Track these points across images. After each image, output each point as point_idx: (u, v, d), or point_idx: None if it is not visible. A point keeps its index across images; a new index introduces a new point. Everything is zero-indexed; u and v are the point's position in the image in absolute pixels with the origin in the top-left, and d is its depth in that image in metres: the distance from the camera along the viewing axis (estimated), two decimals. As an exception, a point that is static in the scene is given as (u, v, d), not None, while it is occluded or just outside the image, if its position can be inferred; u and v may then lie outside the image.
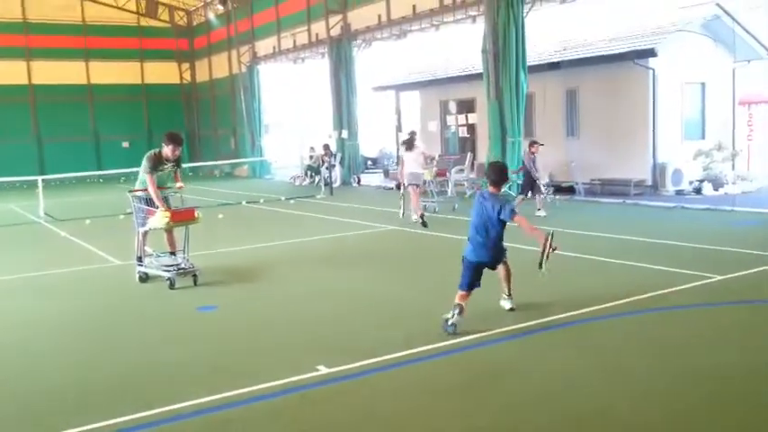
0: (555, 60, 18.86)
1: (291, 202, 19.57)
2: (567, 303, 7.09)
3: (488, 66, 18.17)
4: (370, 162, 31.49)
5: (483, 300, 6.78)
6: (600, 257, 9.56)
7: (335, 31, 25.77)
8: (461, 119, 22.56)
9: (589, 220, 13.37)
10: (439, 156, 21.09)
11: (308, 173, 26.37)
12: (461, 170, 19.17)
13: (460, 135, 22.82)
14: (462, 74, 22.19)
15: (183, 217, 8.68)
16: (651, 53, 16.74)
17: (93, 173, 28.34)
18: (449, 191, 17.39)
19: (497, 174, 6.64)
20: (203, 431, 4.55)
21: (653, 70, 17.10)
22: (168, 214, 8.50)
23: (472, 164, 20.35)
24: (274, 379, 5.27)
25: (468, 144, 22.67)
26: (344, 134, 25.33)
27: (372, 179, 26.32)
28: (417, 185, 14.07)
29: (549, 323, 6.53)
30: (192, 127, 39.74)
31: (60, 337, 6.96)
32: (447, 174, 16.33)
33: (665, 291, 7.52)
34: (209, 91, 38.18)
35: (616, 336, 6.24)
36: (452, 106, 21.73)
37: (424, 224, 13.26)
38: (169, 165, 9.22)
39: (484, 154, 20.00)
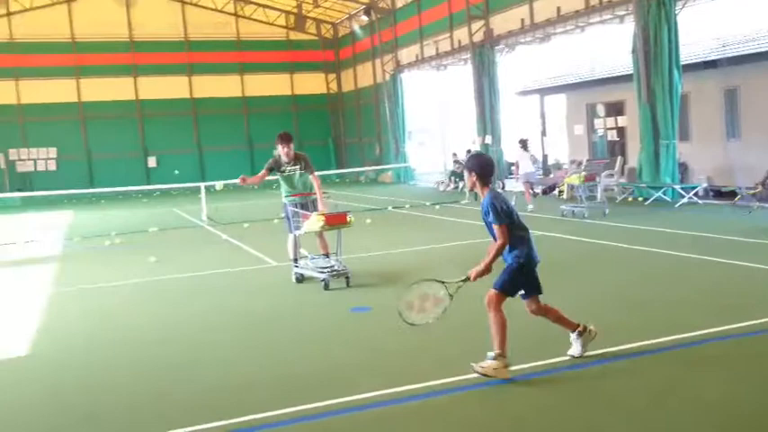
0: (712, 58, 17.87)
1: (437, 207, 19.77)
2: (722, 318, 6.75)
3: (639, 66, 17.54)
4: (513, 167, 31.12)
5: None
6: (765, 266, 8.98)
7: (478, 37, 25.78)
8: (610, 122, 21.87)
9: (755, 226, 12.55)
10: (587, 160, 20.57)
11: (452, 178, 26.52)
12: (611, 175, 18.58)
13: (609, 139, 22.12)
14: (610, 75, 21.53)
15: (336, 220, 9.05)
16: (823, 46, 15.51)
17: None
18: (598, 196, 16.89)
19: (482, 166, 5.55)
20: (356, 428, 4.76)
21: (826, 64, 15.83)
22: (323, 218, 8.89)
23: (623, 168, 19.68)
24: (428, 380, 5.40)
25: (618, 148, 21.94)
26: (488, 140, 25.26)
27: (517, 184, 26.02)
28: (529, 183, 17.65)
29: (702, 337, 6.24)
30: (338, 135, 41.09)
31: (224, 333, 7.46)
32: (596, 178, 15.88)
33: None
34: (354, 100, 39.30)
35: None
36: (600, 109, 21.11)
37: None
38: (291, 168, 9.69)
39: (635, 158, 19.31)
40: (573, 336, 5.73)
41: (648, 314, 7.04)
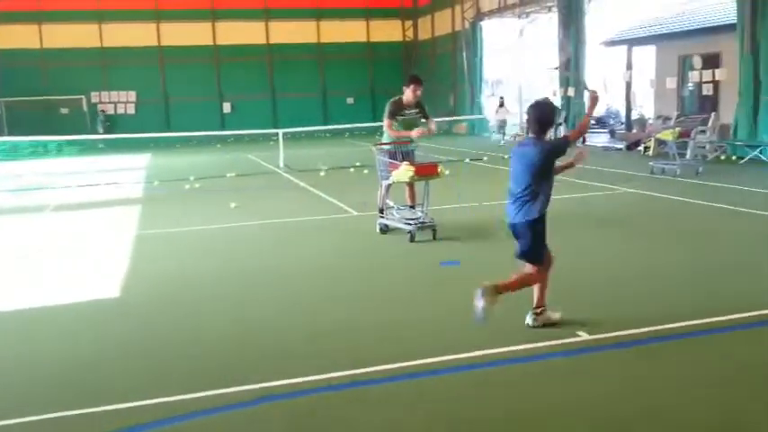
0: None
1: (515, 160, 19.16)
2: None
3: (744, 14, 16.37)
4: (593, 121, 30.06)
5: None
6: None
7: (566, -16, 24.59)
8: (705, 75, 20.64)
9: None
10: (677, 116, 19.59)
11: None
12: (703, 131, 17.60)
13: (703, 93, 20.90)
14: (707, 25, 20.29)
15: (426, 171, 8.75)
16: None
17: (321, 127, 29.88)
18: (688, 153, 16.05)
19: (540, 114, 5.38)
20: (465, 387, 4.52)
21: None
22: (413, 168, 8.59)
23: (715, 125, 18.60)
24: (529, 342, 5.12)
25: (709, 103, 20.75)
26: (570, 92, 24.31)
27: (598, 139, 25.18)
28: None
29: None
30: (411, 84, 40.33)
31: (309, 283, 7.32)
32: (691, 134, 15.07)
33: None
34: (430, 48, 38.42)
35: None
36: (697, 61, 19.92)
37: None
38: (412, 112, 9.32)
39: (727, 114, 18.25)
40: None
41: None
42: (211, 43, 36.92)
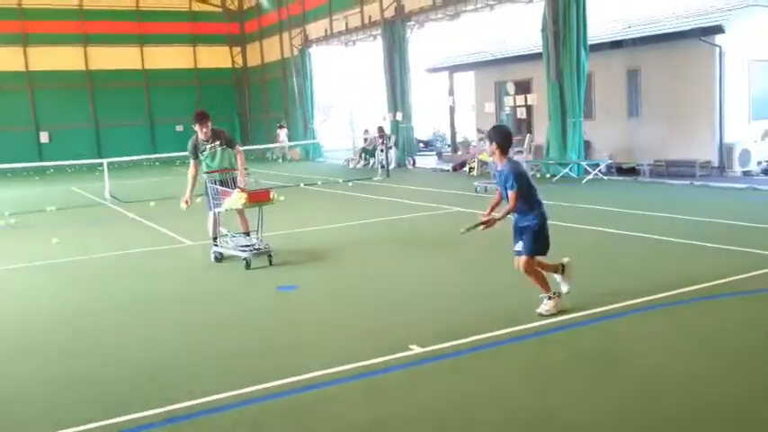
0: (618, 39, 18.45)
1: (350, 184, 19.61)
2: (652, 286, 6.97)
3: (548, 45, 17.89)
4: (421, 144, 31.40)
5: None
6: (679, 239, 9.36)
7: (389, 13, 25.62)
8: (519, 100, 22.24)
9: (659, 201, 13.10)
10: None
11: (363, 155, 26.41)
12: (520, 152, 18.93)
13: (518, 116, 22.48)
14: (519, 54, 21.92)
15: (259, 198, 8.76)
16: (718, 30, 16.25)
17: (150, 156, 28.85)
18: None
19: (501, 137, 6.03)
20: (296, 410, 4.58)
21: (720, 48, 16.60)
22: (245, 195, 8.58)
23: (530, 145, 20.08)
24: (368, 358, 5.30)
25: (525, 125, 22.39)
26: (399, 116, 25.25)
27: (427, 161, 26.28)
28: None
29: (639, 305, 6.43)
30: (243, 111, 40.10)
31: (140, 317, 7.10)
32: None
33: (753, 273, 7.34)
34: (260, 75, 38.42)
35: (709, 317, 6.13)
36: (510, 87, 21.44)
37: None
38: (213, 145, 9.29)
39: (542, 135, 19.79)
40: (558, 278, 6.37)
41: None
42: (23, 69, 34.66)
